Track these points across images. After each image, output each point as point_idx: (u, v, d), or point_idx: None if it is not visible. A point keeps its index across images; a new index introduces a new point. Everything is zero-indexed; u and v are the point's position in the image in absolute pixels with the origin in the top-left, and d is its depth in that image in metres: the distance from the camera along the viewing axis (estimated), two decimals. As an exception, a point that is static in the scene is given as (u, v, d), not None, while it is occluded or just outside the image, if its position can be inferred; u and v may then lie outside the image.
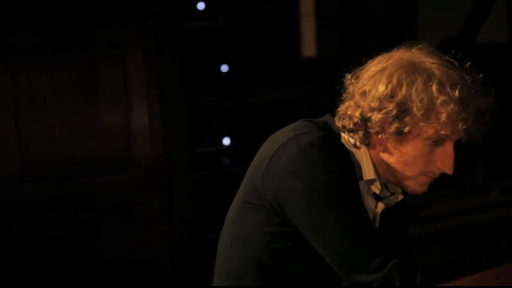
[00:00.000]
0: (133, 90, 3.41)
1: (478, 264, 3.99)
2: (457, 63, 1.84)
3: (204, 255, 3.53)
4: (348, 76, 1.88)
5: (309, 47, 3.97)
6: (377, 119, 1.79)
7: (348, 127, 1.85)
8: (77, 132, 3.37)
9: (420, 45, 1.88)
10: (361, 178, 1.86)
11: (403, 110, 1.78)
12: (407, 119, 1.78)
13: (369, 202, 1.90)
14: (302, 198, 1.77)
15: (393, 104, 1.78)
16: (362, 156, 1.87)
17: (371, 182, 1.88)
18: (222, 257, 1.95)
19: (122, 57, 3.40)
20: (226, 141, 3.87)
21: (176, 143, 3.51)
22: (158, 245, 3.48)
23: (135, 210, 3.45)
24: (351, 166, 1.85)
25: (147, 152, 3.44)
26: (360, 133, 1.84)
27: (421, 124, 1.78)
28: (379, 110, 1.79)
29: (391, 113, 1.78)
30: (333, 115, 1.91)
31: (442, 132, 1.79)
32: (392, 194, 1.94)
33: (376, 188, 1.89)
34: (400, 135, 1.80)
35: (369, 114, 1.80)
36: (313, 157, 1.78)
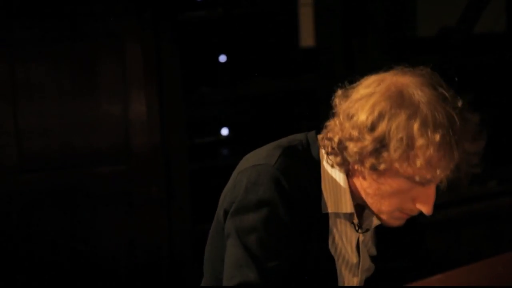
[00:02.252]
0: (132, 81, 3.41)
1: (476, 253, 4.00)
2: (451, 97, 1.70)
3: (203, 246, 3.53)
4: (339, 92, 1.80)
5: (307, 37, 3.96)
6: (353, 151, 1.72)
7: (326, 149, 1.79)
8: (76, 122, 3.37)
9: (419, 69, 1.76)
10: (338, 210, 1.82)
11: (380, 146, 1.68)
12: (383, 157, 1.69)
13: (348, 230, 1.86)
14: (232, 236, 1.78)
15: (370, 139, 1.68)
16: (341, 186, 1.81)
17: (345, 215, 1.83)
18: (204, 267, 1.98)
19: (120, 47, 3.39)
20: (225, 131, 3.87)
21: (174, 133, 3.51)
22: (156, 236, 3.49)
23: (133, 201, 3.45)
24: (312, 200, 1.80)
25: (146, 142, 3.44)
26: (338, 158, 1.77)
27: (396, 165, 1.68)
28: (356, 140, 1.71)
29: (366, 148, 1.69)
30: (318, 132, 1.86)
31: (419, 176, 1.70)
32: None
33: (355, 219, 1.85)
34: (375, 170, 1.72)
35: (346, 143, 1.73)
36: (252, 197, 1.76)
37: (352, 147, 1.71)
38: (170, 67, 3.48)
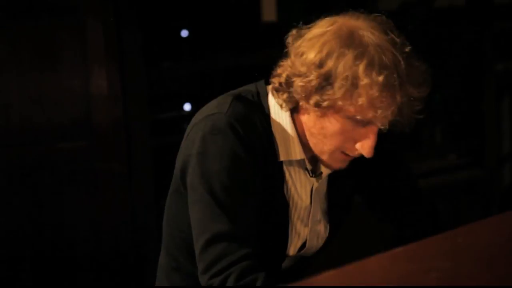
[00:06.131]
0: (92, 56, 3.38)
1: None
2: (400, 42, 1.76)
3: (166, 221, 3.53)
4: (294, 32, 1.87)
5: (269, 11, 3.95)
6: (298, 86, 1.77)
7: (274, 85, 1.84)
8: (36, 98, 3.33)
9: (373, 15, 1.82)
10: (289, 157, 1.84)
11: (324, 83, 1.74)
12: (327, 94, 1.74)
13: (302, 177, 1.89)
14: (196, 189, 1.78)
15: (316, 74, 1.74)
16: (289, 133, 1.84)
17: (298, 162, 1.87)
18: (163, 228, 1.98)
19: (81, 22, 3.35)
20: (187, 106, 3.86)
21: (136, 109, 3.49)
22: (119, 212, 3.48)
23: (95, 177, 3.43)
24: (266, 147, 1.82)
25: (107, 118, 3.41)
26: (285, 95, 1.82)
27: (340, 103, 1.74)
28: (302, 76, 1.76)
29: (311, 83, 1.74)
30: (268, 82, 1.90)
31: (361, 115, 1.75)
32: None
33: (307, 165, 1.88)
34: (319, 108, 1.76)
35: (293, 79, 1.78)
36: (212, 146, 1.77)
37: (298, 82, 1.76)
38: (131, 42, 3.45)
